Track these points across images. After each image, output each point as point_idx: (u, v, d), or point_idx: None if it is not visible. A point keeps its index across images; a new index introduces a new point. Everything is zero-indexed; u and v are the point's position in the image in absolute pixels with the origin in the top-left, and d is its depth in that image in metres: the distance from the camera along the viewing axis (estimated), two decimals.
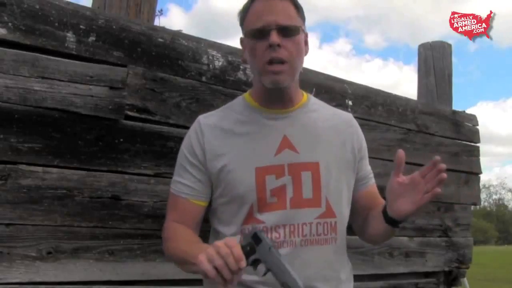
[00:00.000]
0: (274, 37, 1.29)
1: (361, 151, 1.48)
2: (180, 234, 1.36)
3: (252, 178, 1.33)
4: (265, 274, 1.15)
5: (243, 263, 1.08)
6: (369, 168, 1.52)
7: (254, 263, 1.15)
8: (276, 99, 1.40)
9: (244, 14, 1.39)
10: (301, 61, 1.39)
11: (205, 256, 1.08)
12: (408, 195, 1.24)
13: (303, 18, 1.39)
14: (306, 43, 1.41)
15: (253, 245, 1.14)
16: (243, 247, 1.11)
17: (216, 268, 1.07)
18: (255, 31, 1.33)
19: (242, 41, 1.43)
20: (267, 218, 1.33)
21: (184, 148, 1.43)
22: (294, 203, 1.33)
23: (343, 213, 1.41)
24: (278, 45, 1.29)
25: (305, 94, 1.49)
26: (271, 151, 1.36)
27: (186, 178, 1.39)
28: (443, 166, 1.20)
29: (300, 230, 1.32)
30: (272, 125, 1.39)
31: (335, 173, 1.39)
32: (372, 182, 1.51)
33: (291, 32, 1.32)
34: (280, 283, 1.12)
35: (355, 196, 1.46)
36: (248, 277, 1.24)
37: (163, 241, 1.42)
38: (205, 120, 1.43)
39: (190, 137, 1.42)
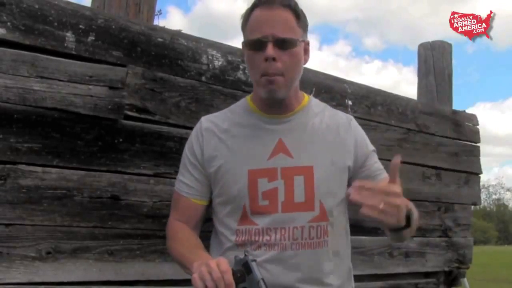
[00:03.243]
0: (270, 51, 1.29)
1: (361, 152, 1.44)
2: (180, 235, 1.40)
3: (244, 180, 1.35)
4: None
5: None
6: (377, 165, 1.46)
7: None
8: (273, 107, 1.41)
9: (244, 21, 1.38)
10: (298, 72, 1.39)
11: (198, 275, 1.12)
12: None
13: (304, 26, 1.37)
14: (306, 51, 1.40)
15: (243, 273, 1.16)
16: (234, 272, 1.14)
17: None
18: (253, 42, 1.33)
19: (243, 45, 1.41)
20: (260, 220, 1.34)
21: (186, 148, 1.47)
22: (286, 207, 1.34)
23: (340, 215, 1.40)
24: (274, 59, 1.29)
25: (306, 96, 1.49)
26: (265, 155, 1.37)
27: (187, 177, 1.43)
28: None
29: (291, 234, 1.32)
30: (269, 129, 1.40)
31: (331, 176, 1.38)
32: (381, 178, 1.42)
33: (288, 45, 1.31)
34: None
35: None
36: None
37: (166, 239, 1.46)
38: (206, 121, 1.46)
39: (192, 138, 1.46)
